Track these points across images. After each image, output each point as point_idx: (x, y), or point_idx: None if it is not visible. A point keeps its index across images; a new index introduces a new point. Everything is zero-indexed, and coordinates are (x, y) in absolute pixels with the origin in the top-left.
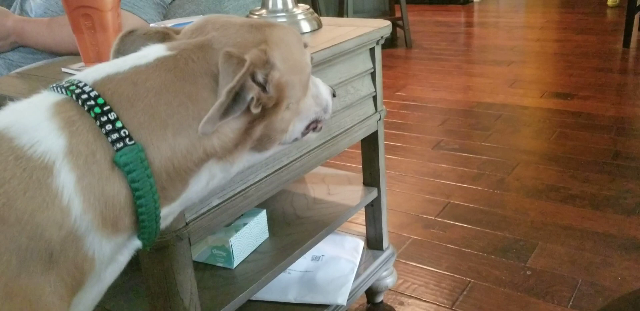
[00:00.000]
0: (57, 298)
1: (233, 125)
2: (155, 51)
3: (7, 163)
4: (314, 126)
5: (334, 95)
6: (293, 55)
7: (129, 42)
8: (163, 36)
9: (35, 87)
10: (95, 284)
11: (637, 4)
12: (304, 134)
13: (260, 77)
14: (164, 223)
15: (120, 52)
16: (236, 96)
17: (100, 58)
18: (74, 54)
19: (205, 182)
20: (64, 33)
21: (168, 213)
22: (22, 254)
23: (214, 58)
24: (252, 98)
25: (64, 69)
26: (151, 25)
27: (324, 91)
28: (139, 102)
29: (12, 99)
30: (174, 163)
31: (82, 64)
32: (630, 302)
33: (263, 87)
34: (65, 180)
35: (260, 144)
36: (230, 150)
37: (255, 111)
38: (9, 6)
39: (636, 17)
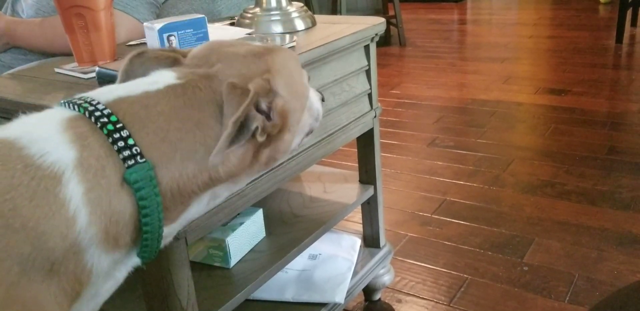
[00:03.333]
0: (56, 307)
1: (237, 152)
2: (165, 79)
3: (15, 171)
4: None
5: (322, 100)
6: (294, 79)
7: (138, 63)
8: (173, 61)
9: (28, 88)
10: (92, 298)
11: (629, 0)
12: (299, 144)
13: (264, 106)
14: (163, 243)
15: (128, 72)
16: (241, 125)
17: (93, 58)
18: (66, 55)
19: (206, 202)
20: (56, 33)
21: (168, 234)
22: (24, 261)
23: (219, 88)
24: (257, 127)
25: (57, 70)
26: (144, 24)
27: (315, 100)
28: (151, 124)
29: (23, 112)
30: (179, 184)
31: (75, 64)
32: (628, 296)
33: (267, 115)
34: (74, 191)
35: (266, 165)
36: (236, 174)
37: (260, 139)
38: (0, 8)
39: (628, 13)
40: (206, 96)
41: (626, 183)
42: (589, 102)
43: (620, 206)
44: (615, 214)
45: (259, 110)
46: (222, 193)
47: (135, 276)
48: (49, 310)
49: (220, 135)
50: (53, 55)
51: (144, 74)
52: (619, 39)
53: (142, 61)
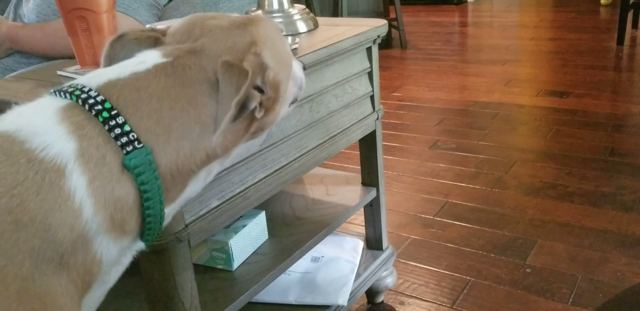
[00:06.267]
0: (69, 300)
1: (233, 129)
2: (151, 58)
3: (20, 165)
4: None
5: (304, 68)
6: (279, 49)
7: (119, 46)
8: (154, 41)
9: (30, 90)
10: (100, 286)
11: (630, 2)
12: (284, 115)
13: (259, 82)
14: (164, 224)
15: (110, 57)
16: (241, 105)
17: (96, 61)
18: (69, 57)
19: (203, 179)
20: (58, 36)
21: (168, 214)
22: (35, 255)
23: (209, 65)
24: (255, 106)
25: (59, 72)
26: (146, 26)
27: (298, 69)
28: (144, 107)
29: (16, 103)
30: (178, 165)
31: (77, 66)
32: (632, 298)
33: (261, 90)
34: (77, 182)
35: (254, 136)
36: (230, 149)
37: (259, 115)
38: (2, 12)
39: (629, 14)
40: (196, 74)
41: (628, 184)
42: (591, 104)
43: (623, 208)
44: (618, 215)
45: (254, 87)
46: (216, 168)
47: (138, 279)
48: (61, 302)
49: (214, 111)
50: (56, 58)
51: (126, 57)
52: (620, 41)
53: (123, 43)
